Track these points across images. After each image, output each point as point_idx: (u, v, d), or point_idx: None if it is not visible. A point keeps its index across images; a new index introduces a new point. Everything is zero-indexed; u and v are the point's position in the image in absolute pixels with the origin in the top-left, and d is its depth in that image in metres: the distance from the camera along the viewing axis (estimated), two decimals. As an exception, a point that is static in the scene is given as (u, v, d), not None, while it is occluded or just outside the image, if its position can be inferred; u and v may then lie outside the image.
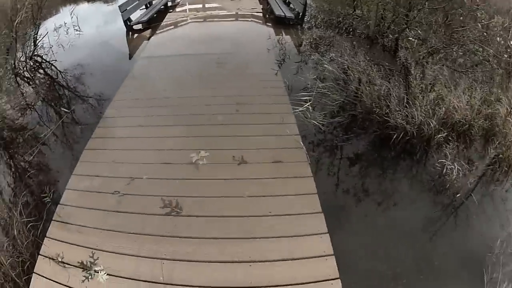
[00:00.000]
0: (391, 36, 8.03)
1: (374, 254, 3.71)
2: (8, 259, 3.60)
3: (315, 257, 3.42)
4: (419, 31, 7.37)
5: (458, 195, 4.37)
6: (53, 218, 4.02)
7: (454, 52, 6.78)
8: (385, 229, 4.00)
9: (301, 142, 4.90)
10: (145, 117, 5.76)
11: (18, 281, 3.51)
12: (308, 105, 5.79)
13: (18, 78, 8.60)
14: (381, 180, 4.71)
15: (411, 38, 7.38)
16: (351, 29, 9.57)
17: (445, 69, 6.21)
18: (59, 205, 4.18)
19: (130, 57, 9.33)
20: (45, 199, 4.13)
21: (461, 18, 7.12)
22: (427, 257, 3.69)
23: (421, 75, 5.99)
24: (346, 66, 6.81)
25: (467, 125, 5.19)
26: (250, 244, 3.60)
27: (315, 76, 6.88)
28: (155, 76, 7.39)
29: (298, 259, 3.42)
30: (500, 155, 4.79)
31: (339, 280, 3.20)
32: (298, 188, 4.15)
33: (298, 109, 5.75)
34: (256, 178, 4.34)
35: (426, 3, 7.03)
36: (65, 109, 6.69)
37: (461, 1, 6.93)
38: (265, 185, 4.23)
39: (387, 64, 6.85)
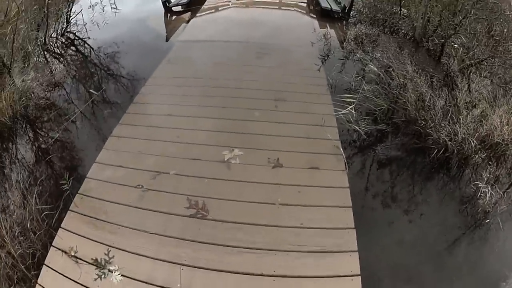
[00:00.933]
0: (436, 41, 7.74)
1: (399, 273, 3.68)
2: (19, 250, 3.60)
3: (341, 276, 3.33)
4: (464, 39, 7.10)
5: (487, 220, 4.26)
6: (70, 208, 4.00)
7: (496, 65, 6.48)
8: (412, 248, 3.95)
9: (341, 149, 4.77)
10: (176, 106, 5.68)
11: (26, 273, 3.48)
12: (351, 108, 5.58)
13: (48, 55, 8.73)
14: (415, 196, 4.57)
15: (456, 45, 7.12)
16: (396, 29, 9.27)
17: (488, 83, 5.98)
18: (77, 194, 4.15)
19: (167, 39, 9.28)
20: (63, 186, 4.01)
21: (505, 30, 6.96)
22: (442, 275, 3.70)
23: (467, 89, 5.77)
24: (391, 69, 6.59)
25: (505, 147, 5.01)
26: (276, 256, 3.50)
27: (360, 77, 6.69)
28: (191, 62, 7.32)
29: (324, 277, 3.32)
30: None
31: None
32: (332, 200, 4.02)
33: (340, 111, 5.56)
34: (290, 184, 4.21)
35: (472, 10, 6.79)
36: (93, 91, 6.69)
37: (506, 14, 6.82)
38: (299, 193, 4.09)
39: (431, 70, 6.63)
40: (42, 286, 3.31)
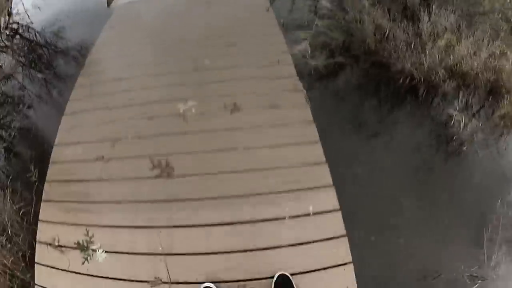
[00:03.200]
0: None
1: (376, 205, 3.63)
2: (10, 258, 3.41)
3: (321, 212, 3.20)
4: None
5: (464, 148, 4.16)
6: (43, 199, 3.74)
7: None
8: (388, 177, 3.87)
9: (301, 84, 4.45)
10: (125, 69, 5.26)
11: (23, 278, 3.34)
12: (306, 43, 5.35)
13: (-5, 51, 8.21)
14: (385, 125, 4.43)
15: None
16: None
17: (451, 16, 5.57)
18: (45, 182, 3.87)
19: (108, 4, 8.59)
20: (31, 178, 3.75)
21: None
22: (423, 205, 3.66)
23: (429, 21, 5.41)
24: (344, 4, 6.12)
25: (474, 77, 4.78)
26: (251, 201, 3.32)
27: (312, 13, 6.26)
28: (133, 22, 6.81)
29: (302, 215, 3.19)
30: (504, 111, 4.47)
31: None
32: (299, 136, 3.78)
33: (295, 48, 5.28)
34: (251, 127, 3.96)
35: None
36: (40, 75, 6.36)
37: None
38: (262, 134, 3.85)
39: (388, 1, 6.16)
40: (40, 286, 3.17)
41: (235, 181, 3.48)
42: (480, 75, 4.78)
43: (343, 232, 3.04)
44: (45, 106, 5.60)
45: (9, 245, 3.54)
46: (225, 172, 3.55)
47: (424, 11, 5.60)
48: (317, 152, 3.60)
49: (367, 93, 4.86)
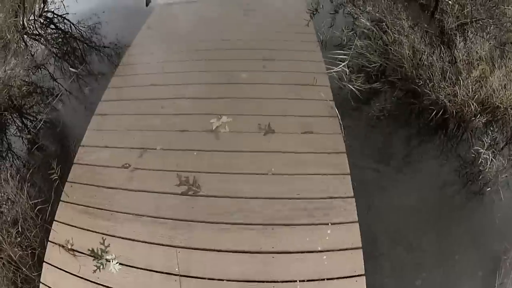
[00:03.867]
0: None
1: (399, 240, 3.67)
2: (18, 252, 3.47)
3: (343, 249, 3.14)
4: None
5: (488, 189, 4.12)
6: (61, 199, 3.77)
7: (493, 26, 6.05)
8: (411, 214, 3.89)
9: (336, 109, 4.43)
10: (158, 75, 5.31)
11: (29, 274, 3.37)
12: (344, 65, 5.30)
13: (27, 38, 8.37)
14: (413, 160, 4.46)
15: (450, 2, 6.60)
16: None
17: (485, 43, 5.56)
18: (66, 182, 3.91)
19: (147, 4, 8.76)
20: (52, 176, 3.69)
21: None
22: (442, 244, 3.68)
23: (465, 48, 5.40)
24: (384, 24, 6.17)
25: (503, 112, 4.76)
26: (274, 231, 3.29)
27: (351, 32, 6.32)
28: (171, 25, 6.89)
29: (324, 251, 3.14)
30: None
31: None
32: (329, 167, 3.75)
33: (332, 68, 5.24)
34: (283, 151, 3.94)
35: None
36: (73, 69, 6.42)
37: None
38: (293, 161, 3.83)
39: (425, 25, 6.23)
40: (45, 285, 3.17)
41: (259, 208, 3.46)
42: (509, 109, 4.76)
43: (362, 271, 2.99)
44: (75, 102, 5.69)
45: (19, 239, 3.58)
46: (250, 198, 3.53)
47: (460, 37, 5.61)
48: (346, 186, 3.57)
49: (398, 123, 4.88)
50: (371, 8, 6.88)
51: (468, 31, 5.79)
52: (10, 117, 5.85)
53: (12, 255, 3.42)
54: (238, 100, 4.65)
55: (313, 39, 5.96)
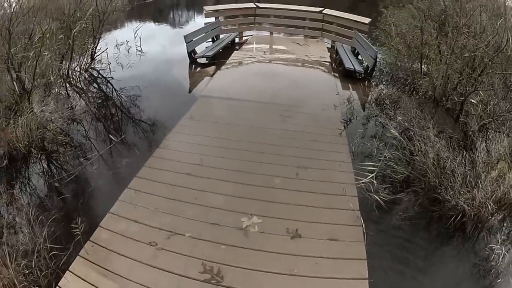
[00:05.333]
0: (456, 99, 7.85)
1: None
2: (23, 283, 3.71)
3: None
4: (483, 95, 7.19)
5: (499, 280, 4.38)
6: (80, 254, 4.04)
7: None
8: None
9: (361, 219, 4.79)
10: (196, 166, 5.73)
11: None
12: (372, 177, 5.68)
13: (69, 88, 9.05)
14: (430, 267, 4.59)
15: (475, 102, 7.22)
16: (417, 88, 9.55)
17: (506, 140, 6.13)
18: (88, 241, 4.20)
19: (190, 91, 9.62)
20: (75, 230, 4.03)
21: None
22: None
23: (485, 150, 5.92)
24: (412, 133, 6.72)
25: None
26: None
27: (382, 143, 6.75)
28: (213, 120, 7.46)
29: None
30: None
31: None
32: (349, 272, 4.03)
33: (361, 180, 5.63)
34: (307, 255, 4.22)
35: (490, 63, 6.91)
36: (113, 138, 6.85)
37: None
38: (316, 265, 4.11)
39: (450, 131, 6.80)
40: None
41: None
42: None
43: None
44: (107, 169, 6.06)
45: (27, 271, 3.84)
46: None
47: (482, 138, 6.08)
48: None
49: (418, 229, 5.08)
50: (400, 118, 7.52)
51: (489, 131, 6.28)
52: (37, 157, 6.31)
53: (16, 282, 3.66)
54: (269, 203, 5.01)
55: (345, 150, 6.48)
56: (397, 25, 11.23)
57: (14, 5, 7.33)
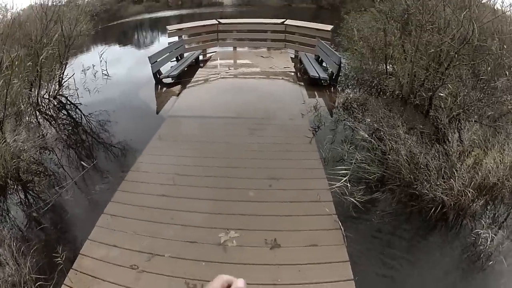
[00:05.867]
0: (424, 95, 8.04)
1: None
2: None
3: None
4: (452, 87, 7.36)
5: (490, 262, 4.54)
6: (64, 283, 4.06)
7: (484, 106, 6.90)
8: None
9: (339, 222, 4.86)
10: (169, 186, 5.78)
11: None
12: (345, 180, 5.77)
13: (39, 116, 9.04)
14: (416, 260, 4.72)
15: (443, 95, 7.41)
16: (383, 88, 9.75)
17: (477, 126, 6.32)
18: (71, 269, 4.21)
19: (158, 112, 9.71)
20: (57, 259, 4.12)
21: (489, 68, 7.36)
22: None
23: (458, 139, 6.05)
24: (382, 133, 6.87)
25: (501, 187, 5.32)
26: None
27: (352, 147, 6.89)
28: (182, 139, 7.51)
29: None
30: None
31: None
32: (334, 275, 4.09)
33: (335, 184, 5.71)
34: (289, 264, 4.29)
35: (456, 56, 7.13)
36: (85, 164, 6.87)
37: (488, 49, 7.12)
38: (299, 272, 4.17)
39: (421, 126, 6.95)
40: None
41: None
42: (506, 182, 5.23)
43: None
44: (82, 195, 6.09)
45: None
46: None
47: (453, 129, 6.23)
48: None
49: (399, 224, 5.22)
50: (369, 120, 7.69)
51: (461, 121, 6.45)
52: (14, 187, 6.31)
53: None
54: (245, 216, 5.09)
55: (316, 156, 6.61)
56: (360, 30, 11.52)
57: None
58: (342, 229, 4.75)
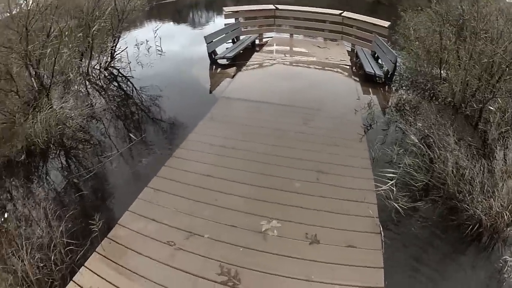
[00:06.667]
0: (475, 106, 7.73)
1: None
2: (37, 275, 3.81)
3: None
4: (501, 102, 7.07)
5: None
6: (96, 250, 4.12)
7: None
8: None
9: (380, 226, 4.75)
10: (216, 167, 5.77)
11: None
12: (392, 184, 5.65)
13: (89, 85, 9.20)
14: (445, 277, 4.58)
15: (493, 109, 7.09)
16: (436, 93, 9.44)
17: None
18: (106, 238, 4.27)
19: (211, 92, 9.75)
20: (92, 227, 4.15)
21: None
22: None
23: (503, 158, 5.83)
24: (432, 140, 6.65)
25: None
26: None
27: (401, 150, 6.72)
28: (234, 122, 7.50)
29: None
30: None
31: None
32: (366, 280, 4.00)
33: (381, 187, 5.60)
34: (325, 262, 4.20)
35: (507, 69, 6.82)
36: (134, 136, 6.95)
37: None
38: (335, 272, 4.09)
39: (469, 139, 6.72)
40: None
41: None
42: None
43: None
44: (127, 167, 6.18)
45: (41, 264, 3.97)
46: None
47: (500, 146, 5.97)
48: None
49: (436, 237, 5.07)
50: (420, 124, 7.45)
51: (507, 139, 6.19)
52: (56, 152, 6.47)
53: (30, 273, 3.76)
54: (289, 207, 5.00)
55: (365, 155, 6.44)
56: (416, 29, 11.20)
57: (30, 2, 7.41)
58: (382, 234, 4.63)
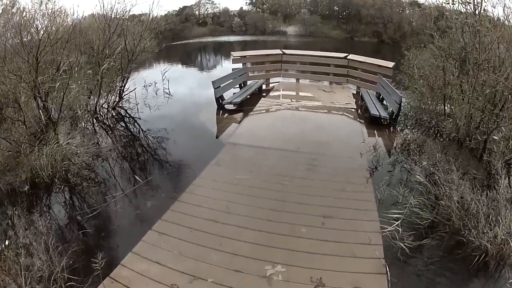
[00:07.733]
0: (479, 138, 7.86)
1: None
2: None
3: None
4: (505, 130, 7.23)
5: None
6: None
7: None
8: None
9: (386, 267, 4.78)
10: (221, 213, 5.85)
11: None
12: (397, 224, 5.71)
13: (96, 124, 9.42)
14: None
15: (497, 138, 7.24)
16: (441, 130, 9.65)
17: None
18: (108, 277, 4.33)
19: (217, 137, 9.92)
20: (95, 265, 4.24)
21: None
22: None
23: (507, 186, 5.95)
24: (437, 177, 6.76)
25: None
26: None
27: (407, 189, 6.76)
28: (240, 168, 7.59)
29: None
30: None
31: None
32: None
33: (387, 228, 5.66)
34: None
35: (510, 96, 6.92)
36: (139, 179, 7.05)
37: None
38: None
39: (474, 171, 6.81)
40: None
41: None
42: None
43: None
44: (131, 209, 6.27)
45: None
46: None
47: (504, 174, 6.07)
48: None
49: (442, 272, 5.07)
50: (425, 163, 7.50)
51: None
52: (60, 188, 6.62)
53: None
54: (294, 252, 5.05)
55: (371, 198, 6.50)
56: (420, 67, 11.54)
57: (41, 32, 7.70)
58: (389, 274, 4.68)
